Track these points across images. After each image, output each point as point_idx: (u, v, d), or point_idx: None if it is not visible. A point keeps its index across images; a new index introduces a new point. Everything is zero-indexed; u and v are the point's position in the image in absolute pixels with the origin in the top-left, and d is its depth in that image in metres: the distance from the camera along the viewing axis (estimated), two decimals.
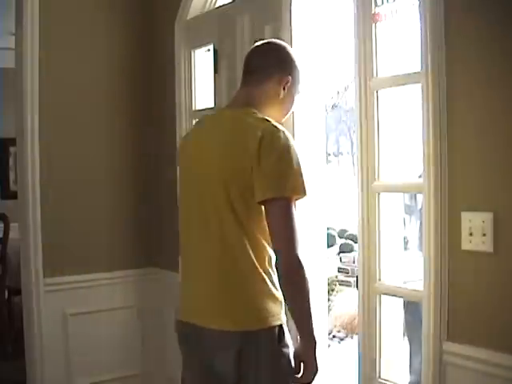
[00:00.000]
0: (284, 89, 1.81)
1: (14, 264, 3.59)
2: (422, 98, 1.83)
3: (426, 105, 1.81)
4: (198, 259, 1.78)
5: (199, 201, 1.76)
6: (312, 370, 1.71)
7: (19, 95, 2.50)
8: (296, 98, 1.86)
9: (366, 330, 2.03)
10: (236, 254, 1.70)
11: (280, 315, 1.73)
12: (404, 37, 2.06)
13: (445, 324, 1.80)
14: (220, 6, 2.82)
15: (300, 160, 1.66)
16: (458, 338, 1.77)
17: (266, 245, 1.71)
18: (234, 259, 1.70)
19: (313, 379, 1.72)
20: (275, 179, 1.63)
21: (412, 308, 2.39)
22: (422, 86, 1.83)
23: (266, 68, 1.81)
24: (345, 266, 8.03)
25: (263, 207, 1.65)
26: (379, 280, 2.01)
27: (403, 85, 2.04)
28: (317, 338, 1.70)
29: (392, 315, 2.09)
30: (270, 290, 1.71)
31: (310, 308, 1.67)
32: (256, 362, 1.70)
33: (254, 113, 1.73)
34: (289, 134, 1.69)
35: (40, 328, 2.53)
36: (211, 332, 1.72)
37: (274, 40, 1.94)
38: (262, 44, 1.88)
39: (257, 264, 1.69)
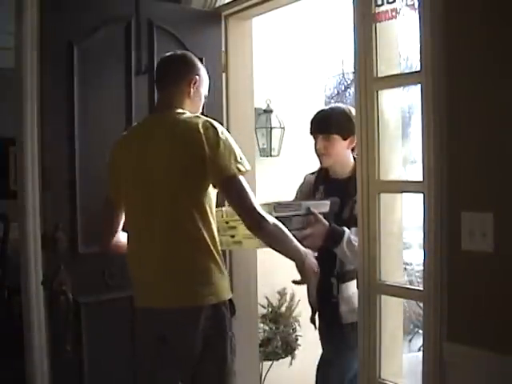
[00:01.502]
0: (193, 88, 2.13)
1: (14, 264, 3.59)
2: (422, 98, 1.83)
3: (426, 105, 1.81)
4: (148, 246, 2.04)
5: (148, 195, 2.03)
6: (309, 273, 2.10)
7: (19, 95, 2.50)
8: (203, 96, 2.20)
9: (366, 330, 2.03)
10: (186, 235, 1.99)
11: (229, 289, 2.06)
12: (404, 37, 2.06)
13: (445, 324, 1.80)
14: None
15: (235, 144, 2.02)
16: (458, 338, 1.78)
17: (213, 221, 2.02)
18: (184, 240, 1.99)
19: (312, 279, 2.17)
20: (227, 161, 1.96)
21: None
22: (422, 86, 1.83)
23: (177, 72, 2.14)
24: None
25: (219, 188, 2.01)
26: (379, 280, 2.01)
27: (403, 85, 2.04)
28: (301, 250, 2.07)
29: (392, 315, 2.10)
30: (219, 267, 2.02)
31: (286, 242, 2.04)
32: (212, 336, 2.00)
33: (182, 112, 2.07)
34: (225, 129, 2.05)
35: (40, 328, 2.53)
36: (169, 311, 1.98)
37: (178, 51, 2.32)
38: (169, 54, 2.22)
39: (209, 241, 1.99)
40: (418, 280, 5.04)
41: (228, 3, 3.01)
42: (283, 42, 3.95)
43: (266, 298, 3.75)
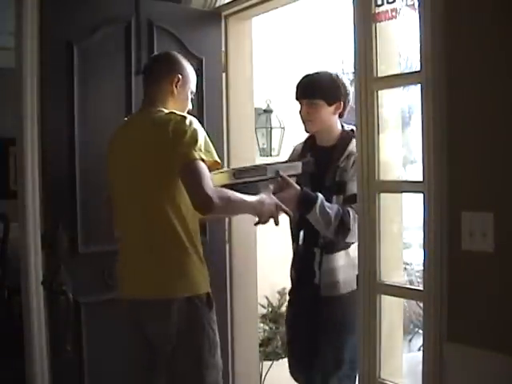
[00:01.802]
0: (176, 86, 2.16)
1: (14, 264, 3.59)
2: (422, 98, 1.83)
3: (426, 105, 1.81)
4: (129, 238, 2.13)
5: (127, 191, 2.11)
6: (268, 213, 2.14)
7: (19, 95, 2.50)
8: (189, 94, 2.23)
9: (366, 330, 2.03)
10: (161, 228, 2.04)
11: (208, 283, 2.11)
12: (404, 37, 2.06)
13: (445, 324, 1.80)
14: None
15: (204, 137, 2.04)
16: (458, 338, 1.77)
17: (189, 216, 2.04)
18: (157, 234, 2.05)
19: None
20: (187, 149, 1.97)
21: None
22: (422, 86, 1.82)
23: (159, 71, 2.18)
24: None
25: (179, 176, 2.00)
26: (379, 280, 2.01)
27: (403, 85, 2.04)
28: (255, 206, 2.09)
29: (392, 315, 2.10)
30: (194, 261, 2.06)
31: (239, 209, 2.13)
32: (186, 330, 2.03)
33: (161, 110, 2.11)
34: (194, 120, 2.06)
35: (40, 328, 2.53)
36: (145, 302, 2.04)
37: (165, 51, 2.35)
38: (155, 54, 2.32)
39: (183, 236, 2.03)
40: (418, 280, 5.04)
41: (228, 3, 3.01)
42: (283, 41, 3.95)
43: (266, 297, 3.76)
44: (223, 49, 3.06)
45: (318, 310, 2.44)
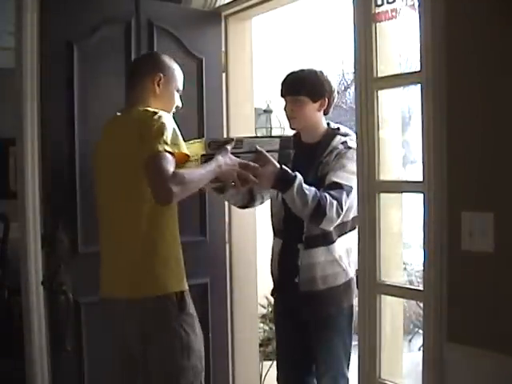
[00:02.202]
0: (159, 85, 2.14)
1: (14, 264, 3.59)
2: (422, 98, 1.83)
3: (426, 105, 1.81)
4: (104, 236, 2.13)
5: (105, 186, 2.11)
6: (228, 175, 2.11)
7: (19, 95, 2.50)
8: (175, 93, 2.20)
9: (366, 330, 2.03)
10: (130, 226, 2.03)
11: (180, 282, 2.04)
12: (404, 37, 2.06)
13: (445, 324, 1.80)
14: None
15: (173, 130, 1.97)
16: (458, 338, 1.77)
17: (162, 212, 2.00)
18: (128, 232, 2.03)
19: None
20: (153, 143, 1.91)
21: None
22: (422, 86, 1.82)
23: (140, 71, 2.17)
24: None
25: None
26: (379, 280, 2.01)
27: (403, 85, 2.04)
28: (215, 170, 2.05)
29: (392, 315, 2.10)
30: (165, 260, 2.02)
31: (201, 181, 2.03)
32: (154, 332, 1.99)
33: (140, 109, 2.06)
34: (164, 114, 2.00)
35: (40, 328, 2.53)
36: (120, 302, 2.03)
37: (149, 51, 2.40)
38: (141, 55, 2.32)
39: (151, 232, 2.00)
40: (418, 280, 5.04)
41: (228, 3, 3.01)
42: (283, 42, 3.95)
43: (266, 298, 3.75)
44: (223, 49, 3.06)
45: (300, 307, 2.44)
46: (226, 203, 3.00)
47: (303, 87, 2.43)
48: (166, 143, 1.92)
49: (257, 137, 2.39)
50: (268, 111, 3.90)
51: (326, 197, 2.29)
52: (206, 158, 2.08)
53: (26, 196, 2.52)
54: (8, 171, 5.30)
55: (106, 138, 2.17)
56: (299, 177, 2.28)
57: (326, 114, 2.50)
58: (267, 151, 2.22)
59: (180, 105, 2.25)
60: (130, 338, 2.06)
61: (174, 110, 2.22)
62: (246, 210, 2.75)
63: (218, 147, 2.12)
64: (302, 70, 2.51)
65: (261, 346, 3.53)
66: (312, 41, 4.16)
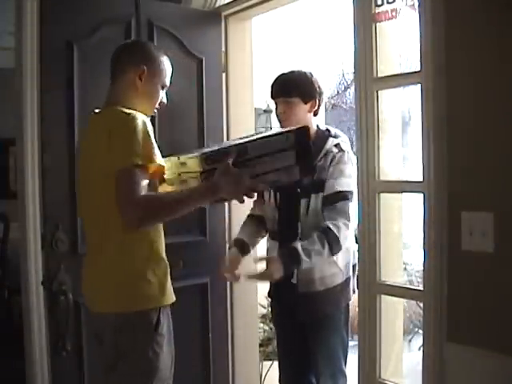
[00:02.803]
0: (141, 79, 1.92)
1: (14, 264, 3.59)
2: (422, 97, 1.83)
3: (426, 105, 1.81)
4: (87, 244, 1.98)
5: (83, 192, 1.97)
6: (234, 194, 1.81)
7: (19, 95, 2.50)
8: (160, 88, 1.98)
9: (366, 330, 2.03)
10: (107, 238, 1.84)
11: (158, 298, 1.83)
12: (404, 37, 2.06)
13: (445, 324, 1.80)
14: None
15: (146, 138, 1.77)
16: (458, 338, 1.78)
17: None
18: (106, 243, 1.84)
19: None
20: (121, 154, 1.74)
21: None
22: (422, 86, 1.83)
23: (121, 64, 1.95)
24: None
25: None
26: (379, 280, 2.01)
27: (403, 85, 2.04)
28: (205, 192, 1.79)
29: (392, 315, 2.10)
30: (143, 273, 1.82)
31: (183, 203, 1.78)
32: (122, 350, 1.82)
33: (114, 109, 1.86)
34: (141, 120, 1.79)
35: (40, 328, 2.53)
36: (95, 315, 1.90)
37: (133, 39, 2.07)
38: (124, 43, 2.06)
39: (128, 245, 1.81)
40: (418, 280, 5.04)
41: (228, 3, 3.01)
42: (283, 42, 3.95)
43: (266, 298, 3.75)
44: (223, 49, 3.06)
45: (297, 307, 2.44)
46: (226, 203, 3.00)
47: (294, 88, 2.42)
48: (138, 155, 1.73)
49: (258, 135, 2.05)
50: (268, 111, 3.90)
51: (329, 228, 2.28)
52: (206, 176, 1.80)
53: (26, 196, 2.52)
54: (8, 171, 5.31)
55: (81, 140, 2.05)
56: (298, 249, 2.24)
57: (315, 114, 2.50)
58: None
59: (165, 101, 2.03)
60: (104, 350, 1.92)
61: (157, 106, 2.02)
62: (246, 209, 2.76)
63: (215, 161, 1.80)
64: (292, 72, 2.50)
65: (261, 346, 3.53)
66: (312, 41, 4.15)
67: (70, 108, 2.59)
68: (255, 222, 2.65)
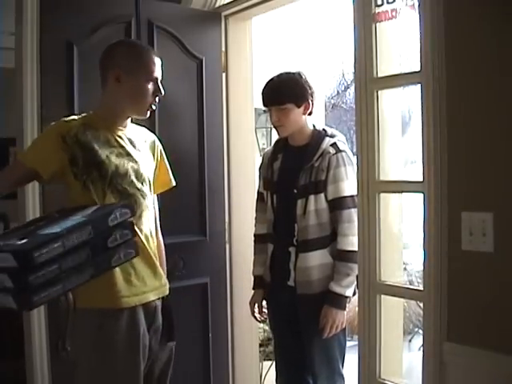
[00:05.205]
0: (119, 81, 1.88)
1: None
2: (422, 97, 1.83)
3: (426, 105, 1.81)
4: None
5: None
6: None
7: (19, 95, 2.50)
8: (146, 82, 1.90)
9: (365, 330, 2.03)
10: None
11: (133, 298, 1.85)
12: (404, 37, 2.06)
13: (445, 324, 1.80)
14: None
15: (40, 139, 1.92)
16: (458, 338, 1.78)
17: None
18: None
19: None
20: None
21: None
22: (422, 86, 1.83)
23: (101, 71, 1.95)
24: None
25: None
26: (379, 280, 2.01)
27: (403, 85, 2.04)
28: None
29: (392, 315, 2.10)
30: (124, 272, 1.83)
31: None
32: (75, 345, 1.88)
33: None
34: (53, 124, 1.88)
35: (40, 328, 2.53)
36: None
37: (109, 43, 2.03)
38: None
39: None
40: (418, 280, 5.03)
41: (228, 3, 3.01)
42: (283, 42, 3.95)
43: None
44: (223, 49, 3.06)
45: (295, 309, 2.45)
46: (226, 203, 3.01)
47: (286, 95, 2.40)
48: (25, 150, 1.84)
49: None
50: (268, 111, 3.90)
51: (345, 251, 2.33)
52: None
53: (25, 196, 2.52)
54: None
55: None
56: (333, 289, 2.34)
57: (310, 114, 2.49)
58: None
59: (162, 92, 1.96)
60: None
61: (156, 101, 1.96)
62: (246, 209, 2.76)
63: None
64: (280, 75, 2.48)
65: (261, 346, 3.53)
66: (312, 41, 4.15)
67: (70, 108, 2.59)
68: (264, 247, 2.61)
